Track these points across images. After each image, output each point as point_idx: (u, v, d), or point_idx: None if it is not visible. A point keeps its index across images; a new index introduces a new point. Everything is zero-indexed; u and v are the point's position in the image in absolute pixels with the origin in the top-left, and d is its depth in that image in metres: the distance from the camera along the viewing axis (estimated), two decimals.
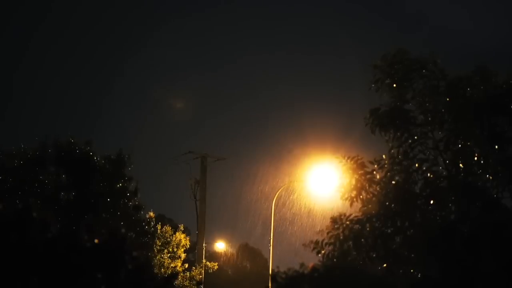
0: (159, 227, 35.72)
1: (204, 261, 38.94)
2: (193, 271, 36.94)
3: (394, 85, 16.52)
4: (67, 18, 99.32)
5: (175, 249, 36.09)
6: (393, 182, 15.83)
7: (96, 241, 9.74)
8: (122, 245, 9.88)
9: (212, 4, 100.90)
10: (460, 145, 16.15)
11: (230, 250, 68.23)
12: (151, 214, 32.92)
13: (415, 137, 16.26)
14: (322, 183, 37.12)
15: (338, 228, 15.63)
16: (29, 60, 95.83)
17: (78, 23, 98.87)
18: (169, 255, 35.71)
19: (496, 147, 15.82)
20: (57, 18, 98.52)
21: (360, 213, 15.80)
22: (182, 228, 37.30)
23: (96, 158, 29.81)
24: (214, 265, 39.01)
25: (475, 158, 15.98)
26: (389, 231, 15.51)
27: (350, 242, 15.51)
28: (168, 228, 36.21)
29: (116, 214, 29.20)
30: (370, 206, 15.73)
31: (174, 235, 36.22)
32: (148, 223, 31.95)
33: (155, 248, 34.66)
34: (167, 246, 35.71)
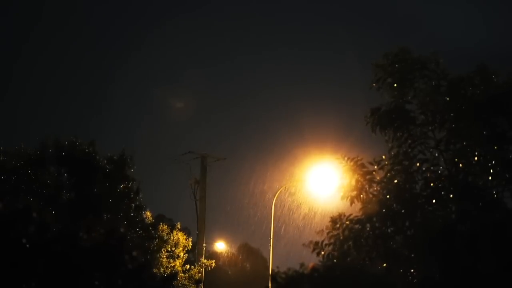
0: (165, 229, 35.55)
1: (202, 259, 38.92)
2: (192, 270, 36.84)
3: (395, 85, 16.51)
4: (66, 17, 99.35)
5: (173, 248, 35.94)
6: (394, 182, 15.80)
7: (95, 242, 9.75)
8: (121, 244, 9.88)
9: (212, 3, 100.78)
10: (460, 145, 16.14)
11: (230, 250, 68.19)
12: (148, 213, 32.82)
13: (416, 137, 16.25)
14: (322, 183, 37.11)
15: (338, 228, 15.62)
16: (28, 59, 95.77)
17: (77, 22, 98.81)
18: (167, 254, 35.54)
19: (496, 147, 15.82)
20: (56, 16, 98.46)
21: (360, 213, 15.79)
22: (179, 226, 37.03)
23: (99, 159, 29.83)
24: (212, 263, 39.03)
25: (476, 158, 15.98)
26: (389, 231, 15.50)
27: (350, 242, 15.50)
28: (164, 226, 35.89)
29: (118, 215, 29.18)
30: (370, 206, 15.71)
31: (171, 234, 36.02)
32: (153, 227, 31.90)
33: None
34: (165, 245, 35.54)
